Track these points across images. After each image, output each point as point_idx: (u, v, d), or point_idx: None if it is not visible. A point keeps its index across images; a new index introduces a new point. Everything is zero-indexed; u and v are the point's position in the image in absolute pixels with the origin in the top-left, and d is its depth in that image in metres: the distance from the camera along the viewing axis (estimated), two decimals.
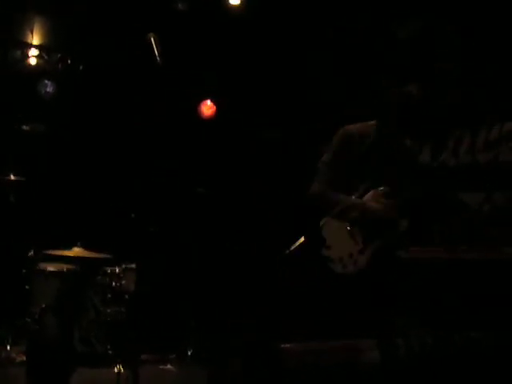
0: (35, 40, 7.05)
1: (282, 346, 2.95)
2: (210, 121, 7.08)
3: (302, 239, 3.04)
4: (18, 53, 7.02)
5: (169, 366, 5.55)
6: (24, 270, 5.67)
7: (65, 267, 5.66)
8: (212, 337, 5.73)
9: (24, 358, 5.10)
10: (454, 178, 5.38)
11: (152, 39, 3.40)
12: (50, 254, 5.65)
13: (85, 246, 5.64)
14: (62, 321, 4.10)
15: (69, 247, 5.62)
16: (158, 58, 3.38)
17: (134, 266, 5.54)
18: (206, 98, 7.08)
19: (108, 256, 5.73)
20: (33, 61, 7.04)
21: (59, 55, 7.07)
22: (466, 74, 5.51)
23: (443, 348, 2.81)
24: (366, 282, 3.58)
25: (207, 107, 7.09)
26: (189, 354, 5.81)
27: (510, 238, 4.42)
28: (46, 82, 6.87)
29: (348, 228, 3.75)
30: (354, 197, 3.80)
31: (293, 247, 3.00)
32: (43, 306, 4.82)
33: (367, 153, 3.89)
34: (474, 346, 2.77)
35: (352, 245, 3.75)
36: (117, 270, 5.73)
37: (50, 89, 6.88)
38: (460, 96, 5.50)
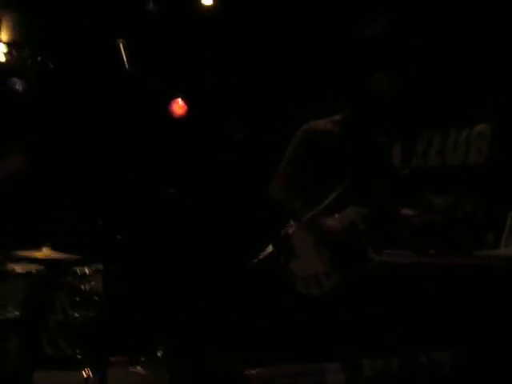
0: (4, 36, 6.95)
1: (248, 371, 2.93)
2: (181, 120, 7.05)
3: (271, 248, 3.01)
4: None
5: (138, 368, 5.52)
6: None
7: (33, 268, 5.60)
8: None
9: None
10: (423, 180, 5.40)
11: (121, 45, 3.37)
12: (18, 255, 5.59)
13: (53, 247, 5.58)
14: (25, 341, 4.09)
15: (37, 248, 5.56)
16: (126, 64, 3.35)
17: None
18: (177, 97, 7.04)
19: (77, 257, 5.68)
20: (1, 57, 6.94)
21: (28, 52, 6.98)
22: (434, 76, 5.54)
23: (409, 368, 2.82)
24: (329, 305, 3.53)
25: (178, 106, 7.05)
26: (158, 355, 5.79)
27: (479, 242, 4.44)
28: (15, 79, 6.78)
29: (316, 244, 3.69)
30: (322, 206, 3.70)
31: (261, 256, 2.98)
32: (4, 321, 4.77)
33: (331, 150, 3.81)
34: (439, 365, 2.78)
35: (318, 264, 3.65)
36: (86, 271, 5.69)
37: (19, 87, 6.79)
38: (425, 97, 5.53)
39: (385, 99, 3.76)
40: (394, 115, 3.97)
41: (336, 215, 3.75)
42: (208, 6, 6.49)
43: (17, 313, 5.16)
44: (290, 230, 3.53)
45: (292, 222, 3.60)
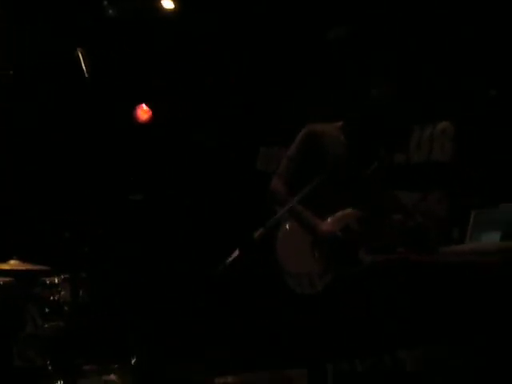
0: None
1: (216, 381, 2.92)
2: (146, 125, 7.02)
3: (237, 252, 3.02)
4: None
5: (112, 376, 5.49)
6: None
7: (1, 280, 5.54)
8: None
9: None
10: (389, 177, 5.44)
11: (80, 54, 3.35)
12: None
13: (21, 259, 5.53)
14: None
15: (4, 260, 5.51)
16: (85, 73, 3.34)
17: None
18: (142, 103, 7.01)
19: (45, 267, 5.63)
20: None
21: None
22: (400, 74, 5.58)
23: (373, 372, 2.83)
24: (303, 309, 3.58)
25: (143, 111, 7.02)
26: (132, 362, 5.76)
27: (445, 239, 4.49)
28: None
29: (310, 244, 3.77)
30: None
31: (228, 261, 2.98)
32: None
33: (331, 153, 3.92)
34: (403, 365, 2.79)
35: (312, 264, 3.74)
36: (56, 281, 5.64)
37: None
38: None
39: (382, 111, 3.87)
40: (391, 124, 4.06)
41: (329, 219, 3.82)
42: (169, 10, 6.48)
43: None
44: (286, 228, 3.70)
45: (287, 222, 3.71)
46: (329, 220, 3.84)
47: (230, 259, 2.99)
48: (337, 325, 3.56)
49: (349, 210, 3.86)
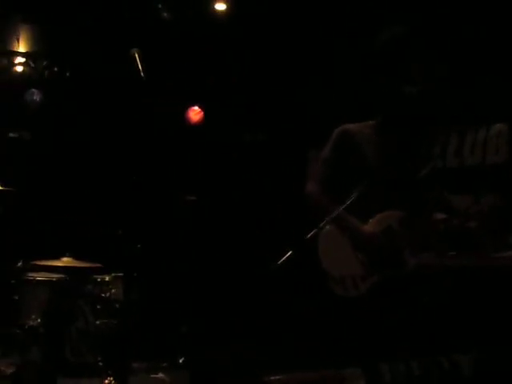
0: (21, 48, 7.03)
1: (268, 378, 2.91)
2: (198, 126, 7.07)
3: (290, 253, 3.01)
4: (5, 61, 6.99)
5: (160, 375, 5.54)
6: (13, 281, 5.64)
7: (55, 276, 5.64)
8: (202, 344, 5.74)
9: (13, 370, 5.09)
10: (441, 180, 5.37)
11: (136, 55, 3.39)
12: (39, 265, 5.63)
13: (74, 256, 5.62)
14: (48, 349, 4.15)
15: (58, 257, 5.61)
16: (141, 74, 3.37)
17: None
18: (194, 104, 7.06)
19: (97, 265, 5.71)
20: (19, 68, 7.02)
21: (45, 62, 7.05)
22: (453, 76, 5.51)
23: (429, 372, 2.79)
24: (355, 309, 3.53)
25: (195, 113, 7.07)
26: (180, 361, 5.81)
27: (498, 243, 4.41)
28: (33, 90, 6.84)
29: (352, 246, 3.73)
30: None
31: (280, 261, 2.98)
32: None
33: (366, 152, 3.86)
34: (460, 368, 2.75)
35: (355, 266, 3.70)
36: (106, 279, 5.72)
37: (36, 97, 6.85)
38: (447, 97, 5.49)
39: (416, 106, 3.79)
40: (424, 120, 3.98)
41: (370, 220, 3.78)
42: (221, 12, 6.51)
43: (39, 321, 5.21)
44: (327, 232, 3.62)
45: (327, 224, 3.66)
46: (370, 221, 3.79)
47: (283, 259, 2.99)
48: (380, 327, 3.52)
49: (390, 211, 3.80)
